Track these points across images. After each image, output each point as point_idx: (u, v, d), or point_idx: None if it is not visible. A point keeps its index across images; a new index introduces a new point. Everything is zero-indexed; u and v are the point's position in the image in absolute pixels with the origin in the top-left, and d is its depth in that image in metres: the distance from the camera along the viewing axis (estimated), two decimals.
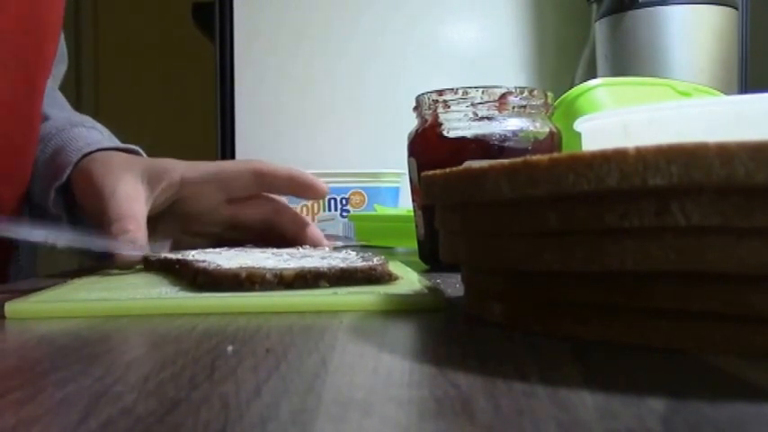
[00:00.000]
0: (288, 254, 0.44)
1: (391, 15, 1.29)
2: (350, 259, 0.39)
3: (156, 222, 0.53)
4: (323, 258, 0.40)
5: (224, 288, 0.34)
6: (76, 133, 0.60)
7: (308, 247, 0.50)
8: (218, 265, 0.36)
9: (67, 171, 0.55)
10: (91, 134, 0.60)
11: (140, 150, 0.60)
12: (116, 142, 0.61)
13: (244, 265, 0.36)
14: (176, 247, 0.53)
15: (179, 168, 0.55)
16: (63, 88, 0.73)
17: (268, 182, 0.57)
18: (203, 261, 0.38)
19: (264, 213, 0.58)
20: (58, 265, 0.67)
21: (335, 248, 0.54)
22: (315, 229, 0.58)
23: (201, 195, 0.56)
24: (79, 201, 0.56)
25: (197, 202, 0.57)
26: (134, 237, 0.48)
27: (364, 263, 0.37)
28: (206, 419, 0.16)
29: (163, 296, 0.34)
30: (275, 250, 0.47)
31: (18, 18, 0.52)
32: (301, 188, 0.57)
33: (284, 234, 0.58)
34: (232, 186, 0.57)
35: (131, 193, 0.52)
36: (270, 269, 0.35)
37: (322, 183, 0.57)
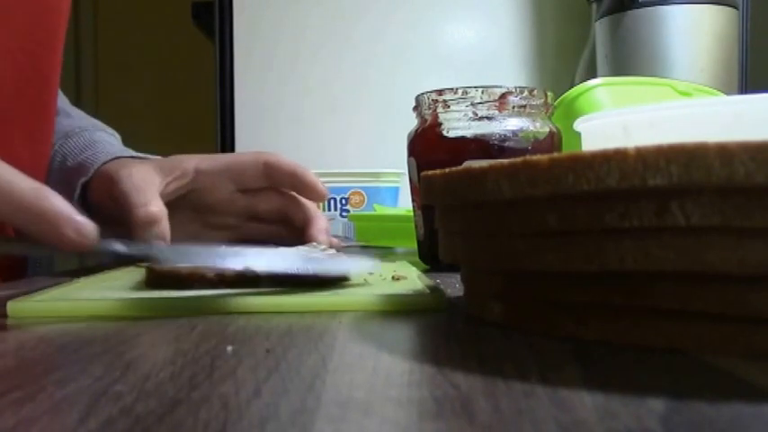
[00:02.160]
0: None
1: (391, 15, 1.29)
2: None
3: (172, 215, 0.54)
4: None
5: (167, 286, 0.35)
6: (100, 137, 0.62)
7: (315, 244, 0.50)
8: (173, 264, 0.37)
9: (95, 167, 0.57)
10: (111, 140, 0.63)
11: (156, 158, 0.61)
12: (130, 152, 0.62)
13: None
14: (196, 241, 0.54)
15: (193, 160, 0.57)
16: (63, 88, 0.73)
17: (274, 174, 0.57)
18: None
19: (278, 205, 0.59)
20: (73, 263, 0.67)
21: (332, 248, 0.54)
22: (319, 226, 0.58)
23: (215, 186, 0.58)
24: (95, 201, 0.57)
25: (211, 192, 0.58)
26: (162, 231, 0.50)
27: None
28: (206, 419, 0.16)
29: (163, 296, 0.34)
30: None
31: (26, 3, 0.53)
32: (301, 186, 0.57)
33: (297, 227, 0.58)
34: (244, 177, 0.58)
35: (146, 175, 0.54)
36: (214, 268, 0.36)
37: (323, 186, 0.57)
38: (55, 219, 0.29)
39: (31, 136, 0.57)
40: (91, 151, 0.59)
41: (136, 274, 0.45)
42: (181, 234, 0.55)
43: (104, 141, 0.62)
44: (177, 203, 0.56)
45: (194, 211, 0.59)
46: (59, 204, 0.29)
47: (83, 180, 0.57)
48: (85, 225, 0.30)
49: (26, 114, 0.56)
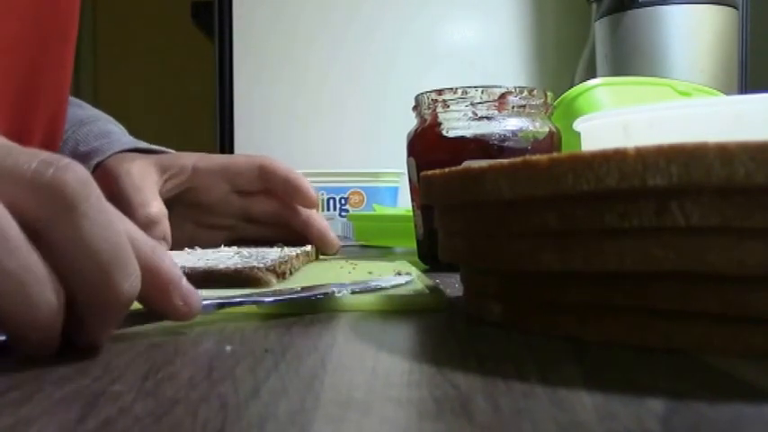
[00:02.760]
0: (247, 252, 0.45)
1: (391, 14, 1.29)
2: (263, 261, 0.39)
3: (169, 213, 0.55)
4: (243, 258, 0.41)
5: None
6: (113, 128, 0.63)
7: (301, 247, 0.50)
8: None
9: (109, 153, 0.58)
10: (123, 132, 0.64)
11: (168, 151, 0.61)
12: (143, 143, 0.62)
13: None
14: (192, 240, 0.54)
15: (191, 158, 0.58)
16: None
17: (269, 178, 0.57)
18: None
19: (274, 208, 0.59)
20: None
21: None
22: (318, 225, 0.58)
23: (211, 185, 0.58)
24: None
25: (207, 192, 0.58)
26: (163, 231, 0.50)
27: (234, 266, 0.37)
28: (204, 419, 0.16)
29: None
30: (248, 250, 0.48)
31: None
32: (294, 192, 0.57)
33: (295, 230, 0.58)
34: (239, 179, 0.58)
35: (145, 173, 0.54)
36: None
37: (314, 193, 0.58)
38: (167, 282, 0.25)
39: (44, 124, 0.57)
40: (106, 140, 0.60)
41: None
42: (177, 232, 0.55)
43: (117, 132, 0.62)
44: (173, 200, 0.57)
45: (189, 209, 0.59)
46: (172, 267, 0.25)
47: (98, 160, 0.57)
48: (192, 295, 0.26)
49: (40, 103, 0.56)
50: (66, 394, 0.18)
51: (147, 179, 0.54)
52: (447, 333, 0.28)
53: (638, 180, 0.21)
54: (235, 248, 0.49)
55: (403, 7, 1.29)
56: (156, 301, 0.25)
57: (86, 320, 0.22)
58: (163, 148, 0.62)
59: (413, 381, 0.19)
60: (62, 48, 0.57)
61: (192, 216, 0.59)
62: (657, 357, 0.22)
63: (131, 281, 0.22)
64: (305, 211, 0.59)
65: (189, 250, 0.48)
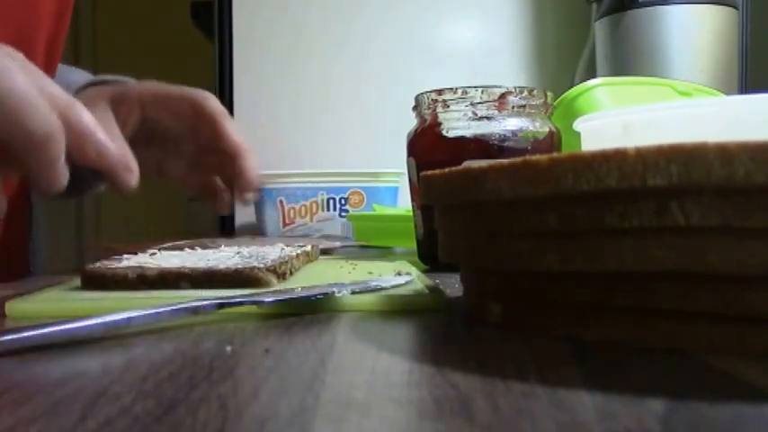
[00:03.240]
0: (247, 252, 0.45)
1: (391, 14, 1.29)
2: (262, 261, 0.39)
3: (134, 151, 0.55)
4: (244, 258, 0.41)
5: (94, 287, 0.36)
6: (74, 79, 0.62)
7: (292, 245, 0.50)
8: (116, 267, 0.37)
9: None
10: (73, 75, 0.62)
11: (123, 79, 0.60)
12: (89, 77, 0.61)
13: (146, 264, 0.37)
14: (159, 170, 0.55)
15: (136, 90, 0.57)
16: None
17: (199, 117, 0.57)
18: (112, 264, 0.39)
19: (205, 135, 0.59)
20: (61, 263, 0.67)
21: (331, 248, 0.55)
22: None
23: (160, 116, 0.57)
24: None
25: (159, 122, 0.57)
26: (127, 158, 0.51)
27: (234, 266, 0.37)
28: (204, 419, 0.16)
29: (162, 295, 0.34)
30: (248, 250, 0.48)
31: None
32: (218, 137, 0.58)
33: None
34: (178, 112, 0.57)
35: (104, 115, 0.53)
36: (135, 268, 0.36)
37: (241, 144, 0.59)
38: (79, 134, 0.27)
39: None
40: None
41: None
42: (143, 162, 0.55)
43: (77, 81, 0.61)
44: (135, 135, 0.55)
45: (150, 141, 0.58)
46: (87, 122, 0.28)
47: None
48: (107, 147, 0.28)
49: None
50: (67, 394, 0.18)
51: (107, 121, 0.52)
52: (447, 333, 0.28)
53: (638, 180, 0.21)
54: (235, 248, 0.49)
55: (403, 7, 1.29)
56: (74, 155, 0.26)
57: (26, 165, 0.23)
58: (116, 79, 0.60)
59: (413, 381, 0.19)
60: (28, 33, 0.57)
61: (155, 147, 0.58)
62: (657, 357, 0.22)
63: (42, 121, 0.24)
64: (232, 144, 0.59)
65: (189, 250, 0.48)
